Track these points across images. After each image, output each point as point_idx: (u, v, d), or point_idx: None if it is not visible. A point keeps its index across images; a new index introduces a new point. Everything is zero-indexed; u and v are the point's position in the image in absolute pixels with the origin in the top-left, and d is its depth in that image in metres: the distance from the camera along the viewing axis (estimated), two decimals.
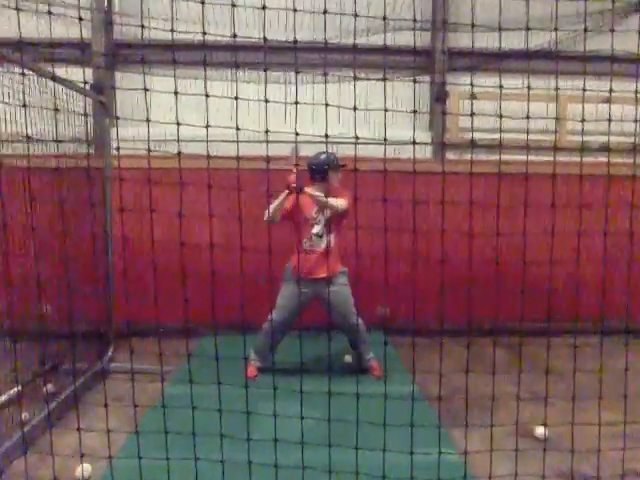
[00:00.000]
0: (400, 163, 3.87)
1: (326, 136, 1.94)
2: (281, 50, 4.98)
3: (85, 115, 2.86)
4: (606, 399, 2.23)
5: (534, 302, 3.00)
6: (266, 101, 1.83)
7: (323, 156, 3.78)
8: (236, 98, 1.86)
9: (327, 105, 1.80)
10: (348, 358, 4.18)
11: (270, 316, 3.75)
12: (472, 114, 2.01)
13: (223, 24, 4.94)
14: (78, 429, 1.98)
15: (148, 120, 1.85)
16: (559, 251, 2.62)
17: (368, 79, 4.28)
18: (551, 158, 2.30)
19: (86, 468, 2.49)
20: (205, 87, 1.84)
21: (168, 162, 2.83)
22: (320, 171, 3.76)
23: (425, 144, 5.38)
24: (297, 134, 1.90)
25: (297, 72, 2.60)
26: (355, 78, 2.04)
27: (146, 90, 1.83)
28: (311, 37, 5.04)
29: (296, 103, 1.87)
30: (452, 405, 2.82)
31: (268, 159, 3.39)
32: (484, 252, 3.34)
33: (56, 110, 2.12)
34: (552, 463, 2.41)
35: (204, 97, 1.86)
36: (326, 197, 3.55)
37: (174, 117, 1.88)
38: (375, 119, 5.21)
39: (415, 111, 2.00)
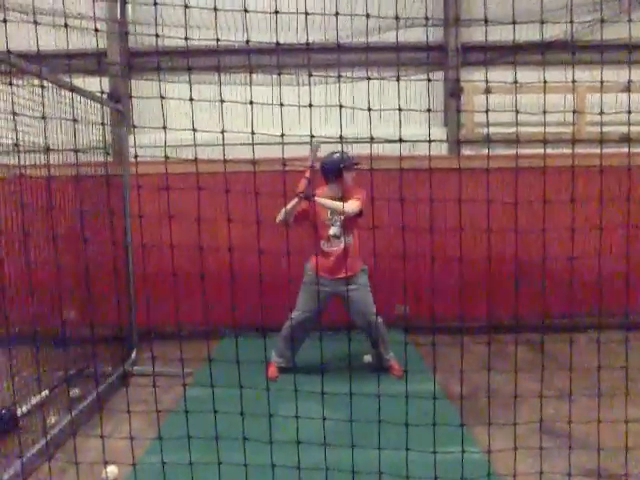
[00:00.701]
0: (416, 161, 3.86)
1: (341, 137, 1.94)
2: (294, 52, 5.01)
3: (103, 124, 2.91)
4: (632, 395, 2.18)
5: (556, 298, 2.96)
6: (281, 105, 1.84)
7: (337, 155, 3.77)
8: (251, 103, 1.88)
9: (341, 107, 1.80)
10: (368, 358, 4.17)
11: (290, 316, 3.77)
12: (487, 110, 1.99)
13: (235, 28, 4.99)
14: (101, 436, 2.02)
15: (165, 127, 1.88)
16: (581, 246, 2.57)
17: (382, 78, 4.24)
18: (570, 150, 2.27)
19: (112, 470, 2.54)
20: (220, 92, 1.86)
21: (186, 167, 2.87)
22: (334, 171, 3.75)
23: (441, 141, 5.34)
24: (312, 136, 1.91)
25: (310, 75, 2.60)
26: (368, 78, 2.03)
27: (162, 98, 1.86)
28: (323, 37, 5.06)
29: (310, 106, 1.88)
30: (475, 403, 2.80)
31: (284, 161, 3.41)
32: (504, 248, 3.30)
33: (74, 121, 2.17)
34: (578, 461, 2.37)
35: (219, 102, 1.88)
36: (341, 197, 3.56)
37: (190, 122, 1.91)
38: (390, 117, 5.19)
39: (429, 109, 1.99)
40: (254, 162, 1.94)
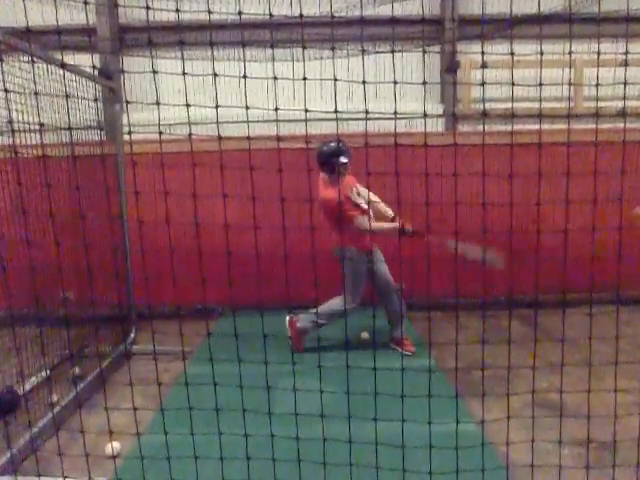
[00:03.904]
0: (413, 137, 3.83)
1: (336, 112, 1.92)
2: (287, 26, 4.92)
3: (95, 101, 2.87)
4: (622, 366, 2.23)
5: (550, 273, 2.98)
6: (275, 79, 1.82)
7: (333, 144, 3.66)
8: (244, 77, 1.85)
9: (336, 80, 1.78)
10: (365, 335, 4.23)
11: (347, 300, 3.70)
12: (483, 83, 1.97)
13: (227, 2, 4.88)
14: (106, 408, 2.05)
15: (158, 103, 1.85)
16: (575, 220, 2.58)
17: (377, 52, 4.16)
18: (567, 126, 2.26)
19: (115, 446, 2.59)
20: (213, 67, 1.83)
21: (180, 145, 2.85)
22: (327, 163, 3.67)
23: (436, 117, 5.30)
24: (306, 111, 1.89)
25: (304, 48, 2.57)
26: (363, 52, 2.00)
27: (154, 72, 1.83)
28: (317, 11, 4.96)
29: (304, 79, 1.86)
30: (470, 377, 2.85)
31: (279, 138, 3.37)
32: (500, 224, 3.31)
33: (67, 97, 2.13)
34: (569, 430, 2.43)
35: (212, 78, 1.86)
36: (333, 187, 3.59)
37: (183, 99, 1.88)
38: (385, 93, 5.13)
39: (425, 83, 1.97)
40: (249, 138, 1.93)
